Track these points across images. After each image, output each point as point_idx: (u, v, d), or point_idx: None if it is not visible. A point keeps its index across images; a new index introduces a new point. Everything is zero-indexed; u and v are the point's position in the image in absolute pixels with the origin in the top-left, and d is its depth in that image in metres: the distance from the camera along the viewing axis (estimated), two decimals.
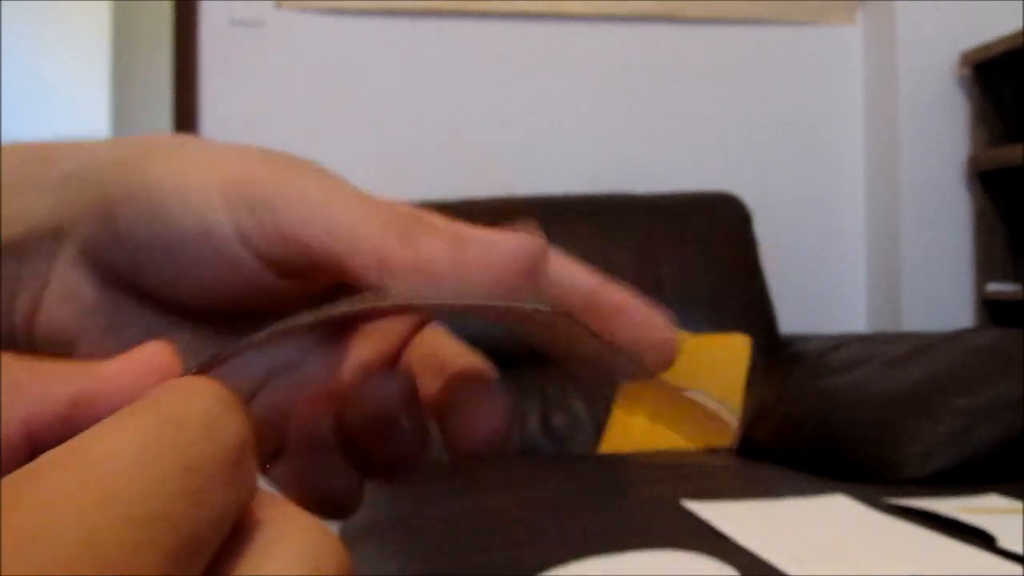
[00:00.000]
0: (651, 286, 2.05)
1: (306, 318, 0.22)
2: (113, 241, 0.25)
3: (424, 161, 2.36)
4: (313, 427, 0.26)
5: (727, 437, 1.76)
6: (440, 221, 0.25)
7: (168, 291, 0.26)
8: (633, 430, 1.81)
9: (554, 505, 1.25)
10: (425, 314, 0.24)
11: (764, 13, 2.48)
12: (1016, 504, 1.11)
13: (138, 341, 0.26)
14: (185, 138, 0.26)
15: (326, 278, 0.25)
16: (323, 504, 0.27)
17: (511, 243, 0.24)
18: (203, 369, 0.21)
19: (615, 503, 1.30)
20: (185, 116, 2.30)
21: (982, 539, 0.96)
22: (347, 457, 0.27)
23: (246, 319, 0.26)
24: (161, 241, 0.24)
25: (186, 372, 0.20)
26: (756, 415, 1.74)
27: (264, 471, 0.29)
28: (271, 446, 0.28)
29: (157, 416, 0.15)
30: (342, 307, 0.22)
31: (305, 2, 2.32)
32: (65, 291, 0.26)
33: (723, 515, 1.09)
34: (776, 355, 1.95)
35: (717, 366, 1.86)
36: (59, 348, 0.27)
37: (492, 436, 0.26)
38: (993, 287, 2.23)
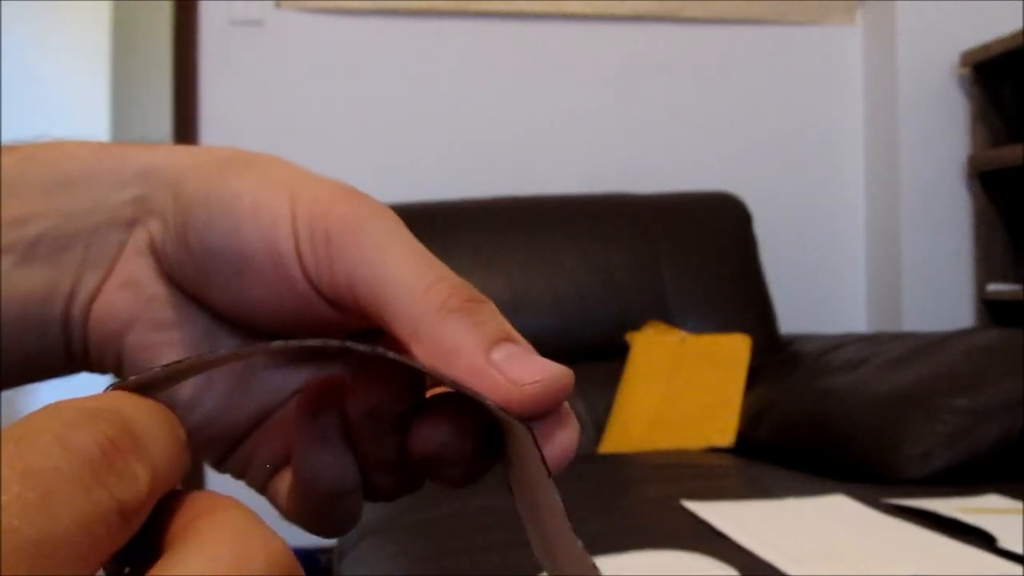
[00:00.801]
0: (651, 286, 2.05)
1: (274, 345, 0.22)
2: (182, 242, 0.26)
3: (424, 161, 2.36)
4: (316, 415, 0.26)
5: (727, 436, 1.76)
6: (492, 312, 0.24)
7: (224, 300, 0.26)
8: (633, 430, 1.81)
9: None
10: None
11: (764, 13, 2.48)
12: (1016, 504, 1.11)
13: (186, 341, 0.27)
14: (266, 156, 0.27)
15: (372, 322, 0.25)
16: (322, 511, 0.27)
17: (541, 365, 0.23)
18: (149, 380, 0.21)
19: (615, 503, 1.30)
20: (185, 116, 2.30)
21: (982, 539, 0.96)
22: (351, 453, 0.27)
23: (298, 334, 0.26)
24: (226, 250, 0.25)
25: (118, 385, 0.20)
26: (756, 415, 1.74)
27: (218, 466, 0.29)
28: (275, 459, 0.29)
29: (3, 437, 0.15)
30: (312, 342, 0.22)
31: (305, 2, 2.32)
32: (128, 279, 0.27)
33: (723, 515, 1.09)
34: (776, 355, 1.95)
35: (717, 366, 1.86)
36: (109, 335, 0.27)
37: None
38: (993, 287, 2.23)
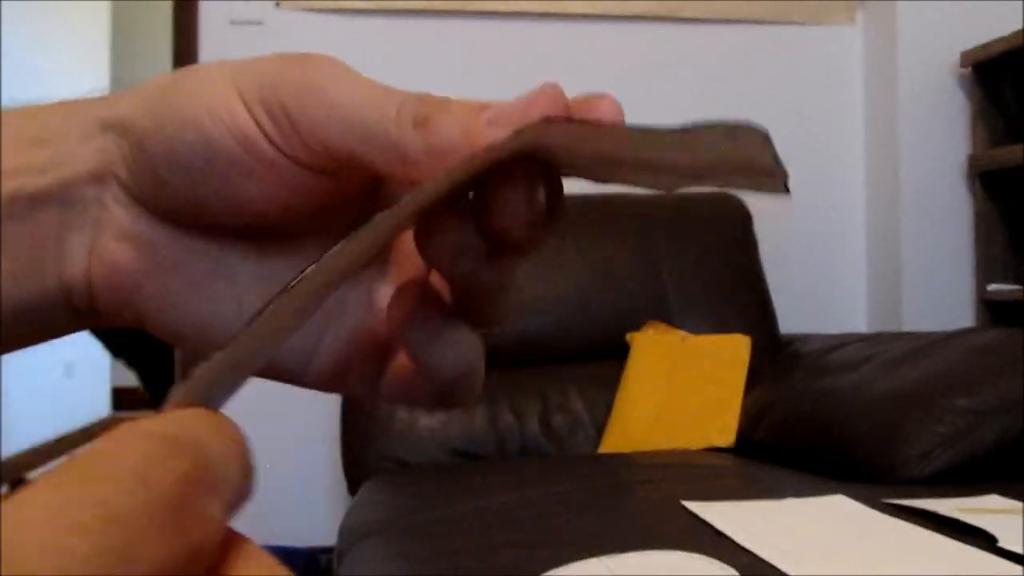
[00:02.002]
0: (651, 286, 2.05)
1: (311, 268, 0.21)
2: (152, 175, 0.26)
3: None
4: (415, 314, 0.26)
5: (727, 436, 1.76)
6: (460, 101, 0.24)
7: (221, 212, 0.26)
8: (633, 430, 1.80)
9: (554, 505, 1.25)
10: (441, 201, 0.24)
11: (764, 13, 2.48)
12: (1016, 504, 1.11)
13: (206, 276, 0.27)
14: (199, 65, 0.26)
15: (360, 173, 0.25)
16: (451, 390, 0.27)
17: (524, 98, 0.24)
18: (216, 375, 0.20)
19: (615, 503, 1.30)
20: None
21: (982, 539, 0.96)
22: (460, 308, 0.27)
23: (311, 239, 0.27)
24: (201, 162, 0.25)
25: (179, 390, 0.19)
26: (756, 415, 1.74)
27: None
28: (369, 366, 0.29)
29: (80, 471, 0.15)
30: (340, 246, 0.22)
31: (305, 2, 2.32)
32: (121, 231, 0.27)
33: (723, 515, 1.09)
34: (776, 355, 1.95)
35: (717, 366, 1.86)
36: (120, 291, 0.27)
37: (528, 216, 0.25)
38: (993, 287, 2.23)
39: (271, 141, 0.24)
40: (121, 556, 0.14)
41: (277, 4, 2.31)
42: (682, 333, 1.95)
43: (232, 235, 0.27)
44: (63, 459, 0.15)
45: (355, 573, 1.18)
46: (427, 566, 1.06)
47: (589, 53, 2.44)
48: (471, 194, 0.25)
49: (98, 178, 0.26)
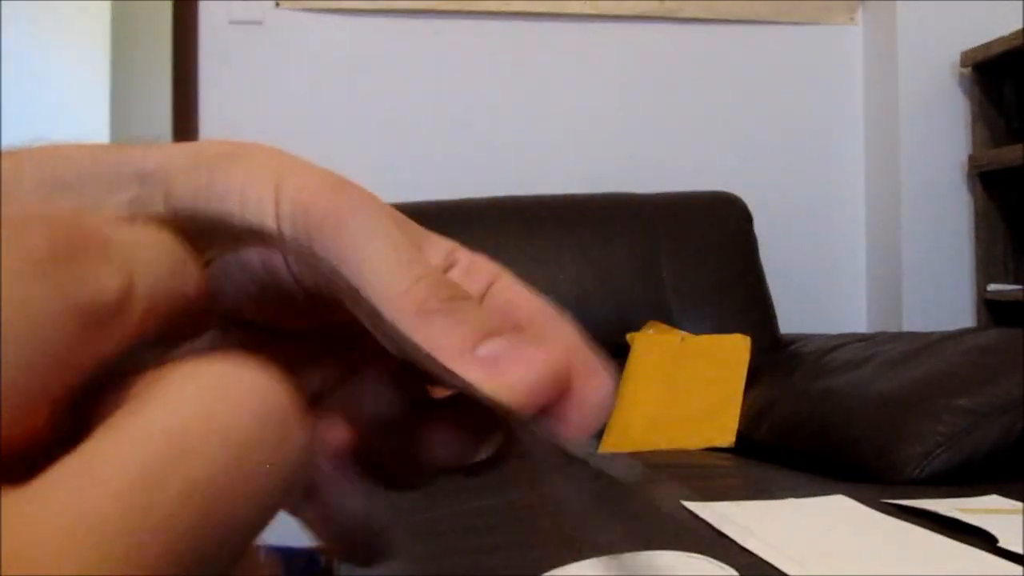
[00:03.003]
0: (651, 286, 2.05)
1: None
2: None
3: (424, 161, 2.36)
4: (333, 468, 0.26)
5: (727, 436, 1.76)
6: (474, 308, 0.23)
7: (220, 299, 0.26)
8: (633, 430, 1.80)
9: (554, 505, 1.25)
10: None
11: (764, 13, 2.48)
12: (1016, 504, 1.11)
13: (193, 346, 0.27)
14: (257, 146, 0.26)
15: (346, 312, 0.25)
16: (354, 538, 0.27)
17: (532, 359, 0.22)
18: None
19: (615, 503, 1.30)
20: (185, 116, 2.30)
21: (982, 539, 0.96)
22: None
23: (281, 338, 0.26)
24: (216, 239, 0.25)
25: None
26: (756, 415, 1.74)
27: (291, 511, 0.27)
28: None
29: None
30: None
31: (305, 2, 2.32)
32: None
33: (723, 515, 1.09)
34: (776, 355, 1.95)
35: (717, 366, 1.86)
36: None
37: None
38: (993, 287, 2.23)
39: (285, 257, 0.24)
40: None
41: (277, 4, 2.31)
42: (682, 333, 1.95)
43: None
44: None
45: (355, 573, 1.18)
46: (427, 566, 1.06)
47: (589, 53, 2.44)
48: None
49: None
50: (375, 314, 0.23)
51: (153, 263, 0.17)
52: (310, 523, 0.28)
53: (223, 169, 0.25)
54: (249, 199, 0.24)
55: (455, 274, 0.26)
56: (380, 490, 0.26)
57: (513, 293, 0.26)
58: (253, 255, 0.24)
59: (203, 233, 0.25)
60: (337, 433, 0.26)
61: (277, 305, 0.25)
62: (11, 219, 0.15)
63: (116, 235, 0.16)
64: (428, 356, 0.22)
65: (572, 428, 0.23)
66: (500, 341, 0.22)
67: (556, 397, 0.22)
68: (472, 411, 0.23)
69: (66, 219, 0.16)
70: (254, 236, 0.24)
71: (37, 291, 0.14)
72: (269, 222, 0.24)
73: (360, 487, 0.26)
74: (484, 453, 0.24)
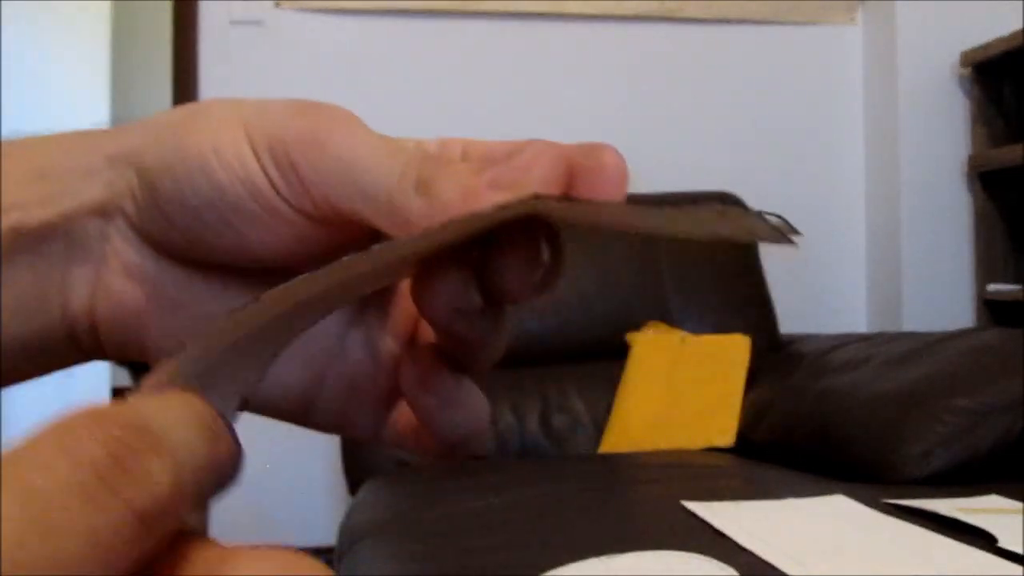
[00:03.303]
0: (651, 286, 2.05)
1: (299, 278, 0.22)
2: (159, 215, 0.26)
3: None
4: (422, 381, 0.27)
5: (727, 436, 1.76)
6: (464, 164, 0.25)
7: (225, 254, 0.26)
8: (633, 430, 1.81)
9: (554, 505, 1.25)
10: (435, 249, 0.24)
11: (764, 13, 2.48)
12: (1016, 504, 1.11)
13: (209, 313, 0.27)
14: (213, 101, 0.26)
15: (363, 226, 0.25)
16: (456, 442, 0.28)
17: (525, 158, 0.24)
18: (175, 371, 0.20)
19: (615, 503, 1.30)
20: None
21: (982, 539, 0.96)
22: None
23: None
24: (208, 206, 0.25)
25: (175, 375, 0.19)
26: (756, 415, 1.74)
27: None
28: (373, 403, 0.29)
29: (6, 457, 0.14)
30: (330, 268, 0.22)
31: (305, 2, 2.32)
32: (127, 268, 0.27)
33: (723, 515, 1.09)
34: (776, 355, 1.95)
35: (717, 366, 1.86)
36: (125, 328, 0.27)
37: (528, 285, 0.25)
38: (993, 287, 2.23)
39: (277, 191, 0.25)
40: (45, 530, 0.14)
41: (277, 4, 2.31)
42: (682, 333, 1.95)
43: (235, 274, 0.27)
44: None
45: (355, 573, 1.18)
46: (427, 566, 1.06)
47: (589, 53, 2.44)
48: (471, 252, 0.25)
49: (103, 212, 0.26)
50: (381, 212, 0.24)
51: (193, 441, 0.17)
52: (403, 437, 0.29)
53: (188, 129, 0.25)
54: (223, 148, 0.25)
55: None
56: (481, 391, 0.27)
57: (485, 145, 0.27)
58: (247, 198, 0.25)
59: (187, 201, 0.25)
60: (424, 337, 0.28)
61: (296, 242, 0.26)
62: (64, 425, 0.15)
63: (158, 419, 0.17)
64: (442, 211, 0.23)
65: (606, 189, 0.23)
66: (497, 168, 0.24)
67: (570, 177, 0.23)
68: (519, 237, 0.24)
69: (118, 419, 0.16)
70: (238, 181, 0.25)
71: (100, 502, 0.14)
72: (250, 163, 0.24)
73: (467, 395, 0.27)
74: (543, 268, 0.25)
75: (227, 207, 0.25)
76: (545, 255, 0.25)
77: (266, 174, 0.24)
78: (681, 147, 2.46)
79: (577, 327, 2.00)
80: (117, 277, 0.27)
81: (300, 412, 0.29)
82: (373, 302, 0.29)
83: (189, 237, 0.26)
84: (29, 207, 0.26)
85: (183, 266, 0.27)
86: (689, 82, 2.48)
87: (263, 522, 2.20)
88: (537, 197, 0.22)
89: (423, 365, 0.27)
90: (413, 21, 2.37)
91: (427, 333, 0.29)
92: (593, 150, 0.24)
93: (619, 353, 1.93)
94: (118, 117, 4.52)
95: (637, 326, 1.98)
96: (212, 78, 2.30)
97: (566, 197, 0.23)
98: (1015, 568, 0.87)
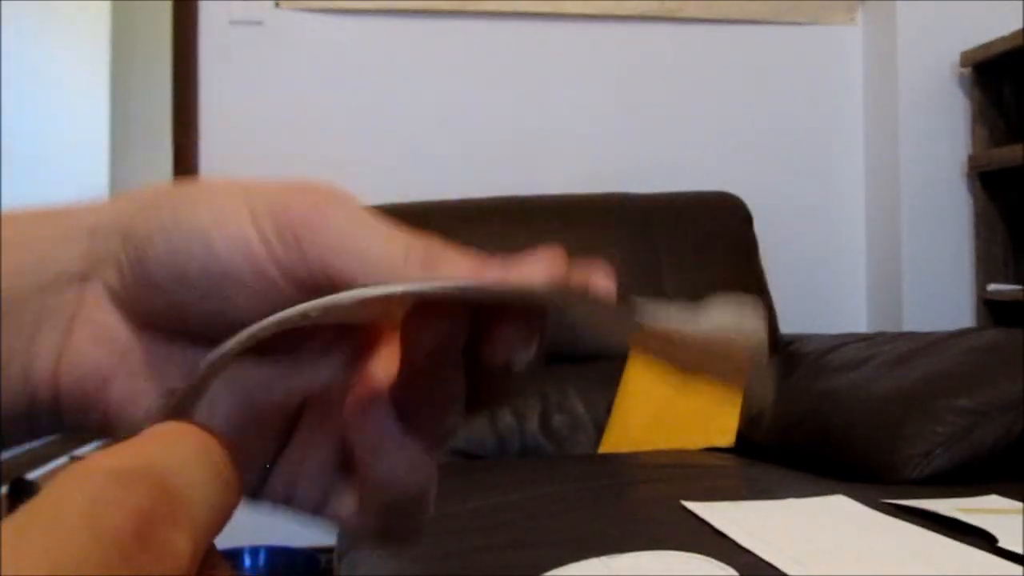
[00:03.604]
0: (651, 286, 2.05)
1: (276, 317, 0.23)
2: (144, 280, 0.26)
3: (424, 161, 2.36)
4: (371, 413, 0.26)
5: (727, 436, 1.76)
6: (460, 253, 0.25)
7: (205, 320, 0.26)
8: (633, 430, 1.81)
9: (554, 505, 1.25)
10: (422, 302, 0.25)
11: (764, 13, 2.48)
12: (1016, 504, 1.11)
13: (174, 378, 0.27)
14: (209, 178, 0.27)
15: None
16: (397, 515, 0.27)
17: (530, 263, 0.24)
18: (186, 395, 0.20)
19: (615, 503, 1.30)
20: (185, 116, 2.30)
21: (982, 539, 0.96)
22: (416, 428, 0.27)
23: (281, 351, 0.27)
24: (202, 270, 0.25)
25: (167, 406, 0.20)
26: (756, 415, 1.74)
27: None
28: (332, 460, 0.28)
29: (25, 521, 0.14)
30: (317, 301, 0.23)
31: (305, 2, 2.32)
32: (96, 333, 0.26)
33: (723, 515, 1.09)
34: (776, 355, 1.95)
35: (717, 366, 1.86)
36: (88, 393, 0.27)
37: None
38: (993, 287, 2.23)
39: (276, 261, 0.25)
40: None
41: (277, 4, 2.31)
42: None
43: (205, 341, 0.26)
44: (62, 460, 0.15)
45: (355, 573, 1.18)
46: (427, 566, 1.06)
47: (589, 53, 2.44)
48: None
49: (80, 279, 0.26)
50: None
51: (211, 496, 0.17)
52: (345, 514, 0.28)
53: (186, 199, 0.25)
54: (223, 214, 0.25)
55: None
56: (428, 457, 0.27)
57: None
58: (242, 265, 0.25)
59: (179, 265, 0.25)
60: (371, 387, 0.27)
61: (271, 306, 0.25)
62: (88, 493, 0.15)
63: (180, 476, 0.17)
64: (448, 291, 0.23)
65: (596, 287, 0.25)
66: (498, 262, 0.24)
67: (565, 280, 0.24)
68: (514, 315, 0.25)
69: (141, 485, 0.16)
70: (234, 245, 0.25)
71: None
72: (247, 228, 0.25)
73: (409, 449, 0.27)
74: (530, 350, 0.25)
75: (219, 271, 0.25)
76: (536, 344, 0.25)
77: (264, 241, 0.25)
78: (681, 147, 2.46)
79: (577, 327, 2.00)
80: (86, 343, 0.26)
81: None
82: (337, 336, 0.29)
83: (172, 300, 0.26)
84: (5, 278, 0.26)
85: (153, 331, 0.27)
86: (689, 82, 2.48)
87: (263, 522, 2.20)
88: (560, 287, 0.23)
89: (373, 395, 0.27)
90: (413, 21, 2.37)
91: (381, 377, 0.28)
92: (588, 272, 0.25)
93: (619, 353, 1.93)
94: (118, 117, 4.52)
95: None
96: (212, 78, 2.30)
97: (578, 291, 0.24)
98: (1015, 568, 0.87)
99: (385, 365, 0.27)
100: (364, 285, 0.23)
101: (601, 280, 0.25)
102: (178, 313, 0.26)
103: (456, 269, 0.24)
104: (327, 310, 0.23)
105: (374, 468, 0.26)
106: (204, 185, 0.26)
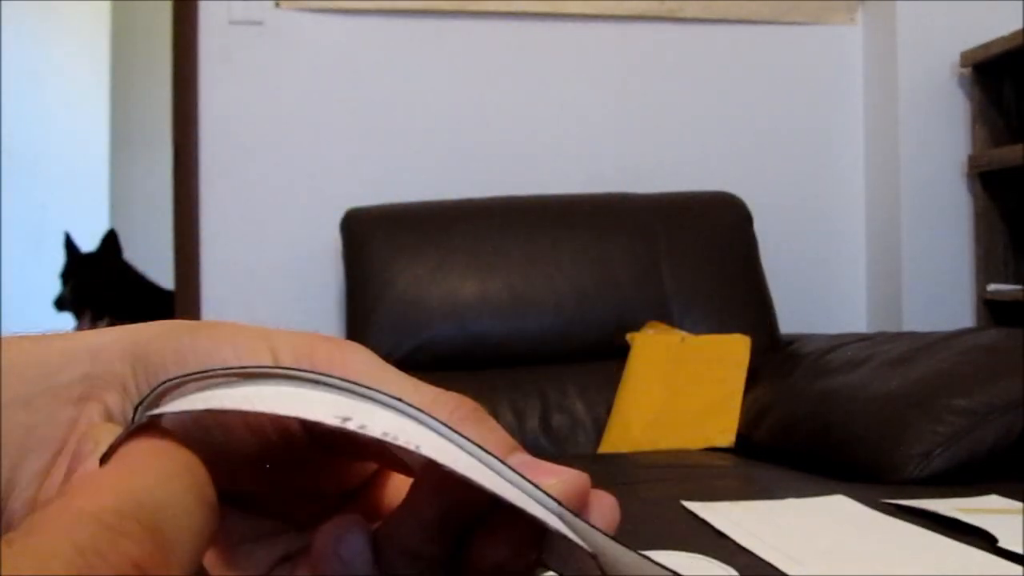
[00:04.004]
0: (651, 286, 2.05)
1: (237, 368, 0.22)
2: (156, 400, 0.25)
3: (424, 161, 2.36)
4: (344, 554, 0.25)
5: (727, 436, 1.76)
6: (496, 423, 0.25)
7: (208, 454, 0.25)
8: (633, 430, 1.80)
9: None
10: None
11: (764, 13, 2.48)
12: (1016, 504, 1.11)
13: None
14: (229, 322, 0.26)
15: (373, 460, 0.25)
16: None
17: (557, 471, 0.24)
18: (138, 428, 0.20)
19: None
20: (185, 116, 2.30)
21: (982, 539, 0.96)
22: None
23: (288, 502, 0.26)
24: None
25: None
26: (756, 415, 1.74)
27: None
28: None
29: (12, 565, 0.14)
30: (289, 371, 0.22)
31: (305, 2, 2.32)
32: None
33: (723, 515, 1.09)
34: (776, 355, 1.95)
35: (717, 366, 1.86)
36: None
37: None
38: (993, 287, 2.23)
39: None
40: None
41: (277, 4, 2.31)
42: (682, 333, 1.95)
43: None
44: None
45: None
46: None
47: (589, 53, 2.44)
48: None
49: (77, 401, 0.25)
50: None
51: (198, 524, 0.17)
52: None
53: (205, 332, 0.25)
54: (245, 354, 0.24)
55: None
56: None
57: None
58: (261, 416, 0.24)
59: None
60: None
61: (285, 455, 0.25)
62: (76, 539, 0.15)
63: (168, 509, 0.16)
64: (470, 467, 0.22)
65: (603, 521, 0.24)
66: (526, 455, 0.24)
67: (582, 504, 0.24)
68: (508, 526, 0.24)
69: (131, 529, 0.16)
70: None
71: None
72: (264, 359, 0.24)
73: None
74: (521, 561, 0.25)
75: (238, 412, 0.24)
76: (528, 556, 0.25)
77: None
78: (681, 147, 2.46)
79: (577, 327, 2.00)
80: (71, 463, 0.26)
81: None
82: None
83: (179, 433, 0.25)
84: (7, 434, 0.25)
85: None
86: (689, 82, 2.48)
87: None
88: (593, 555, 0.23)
89: (340, 530, 0.25)
90: (413, 21, 2.37)
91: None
92: (599, 496, 0.25)
93: (619, 353, 1.93)
94: (118, 117, 4.52)
95: (637, 326, 1.98)
96: (212, 78, 2.30)
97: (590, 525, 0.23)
98: (1015, 568, 0.87)
99: (388, 498, 0.27)
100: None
101: (609, 514, 0.24)
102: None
103: (491, 437, 0.23)
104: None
105: None
106: (225, 324, 0.26)
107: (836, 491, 1.21)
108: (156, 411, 0.21)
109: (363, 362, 0.24)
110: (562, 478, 0.23)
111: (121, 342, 0.26)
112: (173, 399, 0.22)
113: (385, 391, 0.22)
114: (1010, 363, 1.42)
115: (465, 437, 0.22)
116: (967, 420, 1.35)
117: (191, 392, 0.22)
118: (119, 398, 0.25)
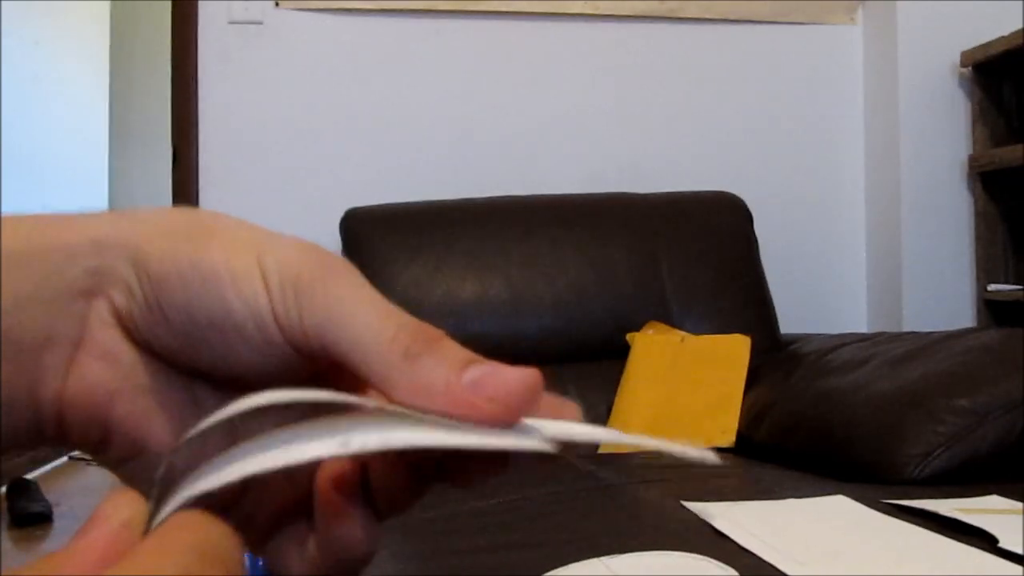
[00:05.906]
0: (651, 286, 2.05)
1: (270, 396, 0.24)
2: (156, 314, 0.26)
3: (424, 161, 2.36)
4: (345, 492, 0.28)
5: (727, 436, 1.76)
6: (452, 344, 0.26)
7: (207, 361, 0.27)
8: (633, 430, 1.80)
9: (554, 505, 1.25)
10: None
11: (764, 13, 2.48)
12: (1016, 504, 1.11)
13: (171, 403, 0.28)
14: (229, 220, 0.28)
15: (347, 370, 0.26)
16: (341, 561, 0.29)
17: (508, 375, 0.26)
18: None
19: (615, 503, 1.30)
20: (185, 116, 2.30)
21: (982, 539, 0.96)
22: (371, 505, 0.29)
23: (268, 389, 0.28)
24: (212, 320, 0.26)
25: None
26: (756, 415, 1.74)
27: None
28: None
29: None
30: (314, 395, 0.24)
31: (304, 2, 2.32)
32: (103, 351, 0.27)
33: (723, 515, 1.09)
34: (776, 355, 1.95)
35: (717, 366, 1.86)
36: (92, 409, 0.27)
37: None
38: (993, 287, 2.23)
39: (279, 323, 0.26)
40: None
41: (277, 4, 2.31)
42: (682, 333, 1.95)
43: (202, 373, 0.28)
44: (61, 461, 0.16)
45: None
46: (427, 566, 1.06)
47: (589, 53, 2.44)
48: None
49: (87, 295, 0.27)
50: (367, 364, 0.25)
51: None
52: (287, 560, 0.30)
53: (202, 242, 0.26)
54: (239, 276, 0.26)
55: None
56: (378, 525, 0.29)
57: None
58: (248, 321, 0.26)
59: (194, 315, 0.26)
60: (344, 465, 0.28)
61: (272, 365, 0.27)
62: None
63: (236, 558, 0.19)
64: (422, 390, 0.25)
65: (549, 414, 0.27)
66: (480, 367, 0.25)
67: (531, 407, 0.26)
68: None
69: (221, 561, 0.18)
70: (247, 309, 0.26)
71: None
72: (261, 295, 0.26)
73: (367, 519, 0.28)
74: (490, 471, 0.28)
75: (231, 328, 0.26)
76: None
77: (272, 307, 0.26)
78: (681, 147, 2.46)
79: (577, 327, 2.00)
80: (92, 359, 0.27)
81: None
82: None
83: (182, 343, 0.27)
84: (8, 297, 0.26)
85: (159, 358, 0.27)
86: (689, 82, 2.48)
87: None
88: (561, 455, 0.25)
89: (338, 476, 0.28)
90: (413, 21, 2.37)
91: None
92: (559, 403, 0.27)
93: (619, 353, 1.93)
94: (118, 117, 4.52)
95: (637, 326, 1.98)
96: (212, 78, 2.30)
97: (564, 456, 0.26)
98: (1015, 568, 0.87)
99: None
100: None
101: (569, 414, 0.26)
102: (184, 349, 0.27)
103: (434, 371, 0.25)
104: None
105: (334, 531, 0.28)
106: (218, 227, 0.27)
107: (836, 491, 1.21)
108: (185, 499, 0.23)
109: (338, 288, 0.26)
110: (509, 388, 0.25)
111: (122, 239, 0.26)
112: (190, 482, 0.23)
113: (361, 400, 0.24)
114: (1010, 363, 1.42)
115: (420, 410, 0.25)
116: (967, 420, 1.35)
117: (203, 475, 0.23)
118: (124, 298, 0.26)
